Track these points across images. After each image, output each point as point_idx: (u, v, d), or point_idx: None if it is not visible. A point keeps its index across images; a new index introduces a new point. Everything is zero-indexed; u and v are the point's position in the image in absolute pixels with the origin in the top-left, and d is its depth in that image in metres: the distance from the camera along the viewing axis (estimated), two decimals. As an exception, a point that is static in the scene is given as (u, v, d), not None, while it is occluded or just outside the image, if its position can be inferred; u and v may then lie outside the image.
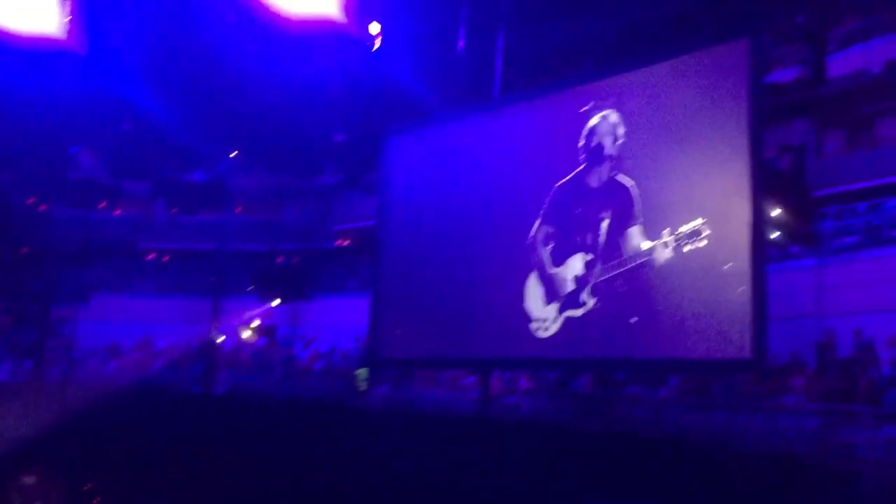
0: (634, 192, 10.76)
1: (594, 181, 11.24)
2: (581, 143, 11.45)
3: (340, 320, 21.84)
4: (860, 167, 16.39)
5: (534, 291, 11.72)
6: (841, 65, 15.81)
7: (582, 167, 11.43)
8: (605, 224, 10.96)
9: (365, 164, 17.61)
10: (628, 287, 10.61)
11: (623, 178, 10.92)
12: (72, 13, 13.49)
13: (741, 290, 9.67)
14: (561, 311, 11.39)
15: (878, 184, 15.98)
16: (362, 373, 17.14)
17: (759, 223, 9.83)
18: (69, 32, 13.56)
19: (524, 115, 12.60)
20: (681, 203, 10.31)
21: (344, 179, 19.77)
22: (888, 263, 14.91)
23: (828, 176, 16.03)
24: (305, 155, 20.50)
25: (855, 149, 17.35)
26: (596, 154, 11.25)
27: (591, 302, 11.01)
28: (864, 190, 16.14)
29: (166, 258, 25.42)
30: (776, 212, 12.54)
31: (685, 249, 10.06)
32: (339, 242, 24.29)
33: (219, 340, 19.57)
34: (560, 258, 11.51)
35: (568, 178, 11.56)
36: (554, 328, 11.42)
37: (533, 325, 11.63)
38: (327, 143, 19.07)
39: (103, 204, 20.77)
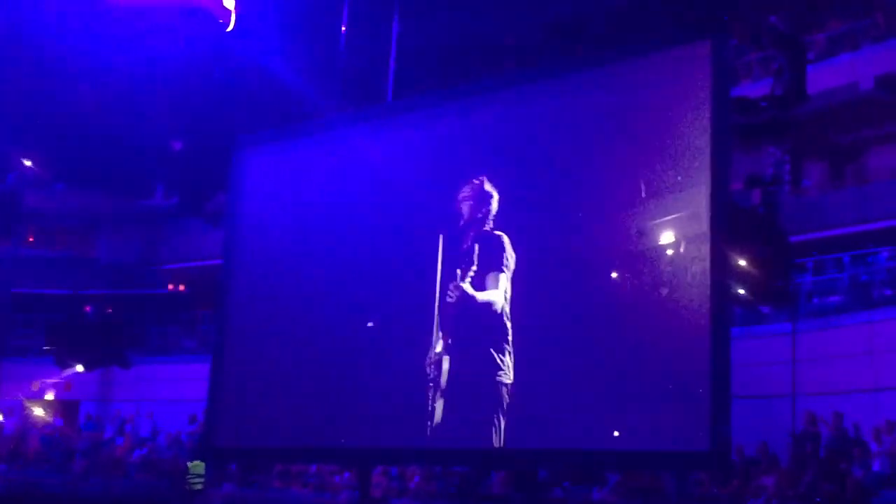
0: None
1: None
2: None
3: (170, 394, 21.43)
4: (845, 208, 16.99)
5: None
6: (824, 78, 16.39)
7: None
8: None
9: (210, 184, 17.32)
10: (549, 352, 10.71)
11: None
12: None
13: (697, 362, 9.76)
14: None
15: (866, 229, 16.58)
16: (198, 466, 16.76)
17: (721, 276, 9.97)
18: None
19: (424, 126, 12.63)
20: (614, 248, 10.48)
21: (181, 203, 19.32)
22: (879, 330, 15.38)
23: (806, 217, 16.56)
24: (129, 168, 20.01)
25: (839, 185, 18.03)
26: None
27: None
28: (850, 236, 16.72)
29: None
30: (742, 262, 12.82)
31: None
32: (171, 288, 24.00)
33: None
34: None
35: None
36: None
37: (430, 403, 11.50)
38: (160, 153, 18.69)
39: None
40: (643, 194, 10.41)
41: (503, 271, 11.32)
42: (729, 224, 10.17)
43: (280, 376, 13.03)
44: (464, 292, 11.44)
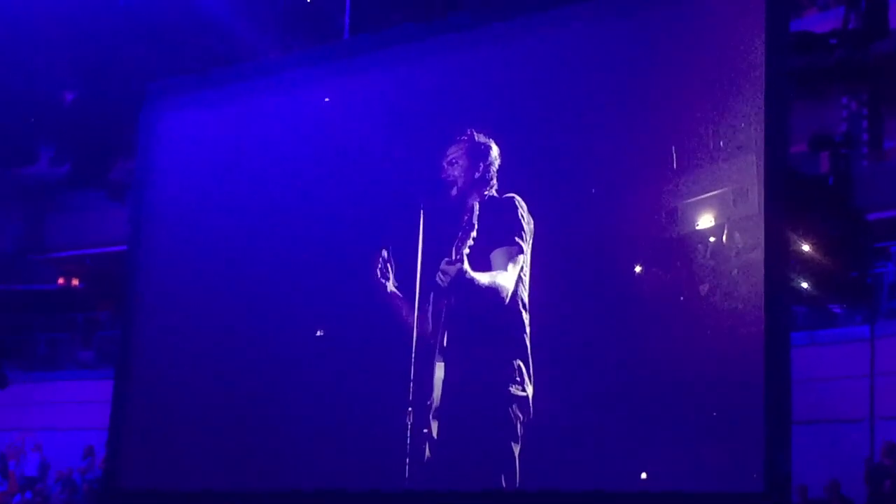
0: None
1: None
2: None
3: (61, 420, 21.36)
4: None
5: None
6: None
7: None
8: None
9: (112, 147, 17.32)
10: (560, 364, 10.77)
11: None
12: None
13: (747, 378, 9.86)
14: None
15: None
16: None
17: (778, 267, 10.04)
18: None
19: (391, 71, 12.66)
20: (637, 234, 10.55)
21: (74, 172, 19.31)
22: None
23: (889, 189, 16.66)
24: (4, 126, 19.95)
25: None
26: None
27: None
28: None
29: None
30: (806, 247, 12.94)
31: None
32: (61, 282, 24.01)
33: None
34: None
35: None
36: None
37: (410, 430, 11.53)
38: (46, 106, 18.66)
39: None
40: (674, 165, 10.46)
41: (516, 245, 11.14)
42: (788, 198, 10.20)
43: (203, 398, 13.10)
44: (461, 273, 11.15)
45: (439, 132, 11.95)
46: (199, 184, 13.80)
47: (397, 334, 11.77)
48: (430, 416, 11.36)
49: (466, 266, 11.08)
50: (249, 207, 13.27)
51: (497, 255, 11.15)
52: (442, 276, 11.25)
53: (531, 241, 11.09)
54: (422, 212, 11.74)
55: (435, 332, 11.50)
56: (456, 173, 11.65)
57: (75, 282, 23.96)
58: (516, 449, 10.82)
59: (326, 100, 13.11)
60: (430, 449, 11.33)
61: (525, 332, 10.98)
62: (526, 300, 11.03)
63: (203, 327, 13.32)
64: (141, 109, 14.45)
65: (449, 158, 11.71)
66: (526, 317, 10.99)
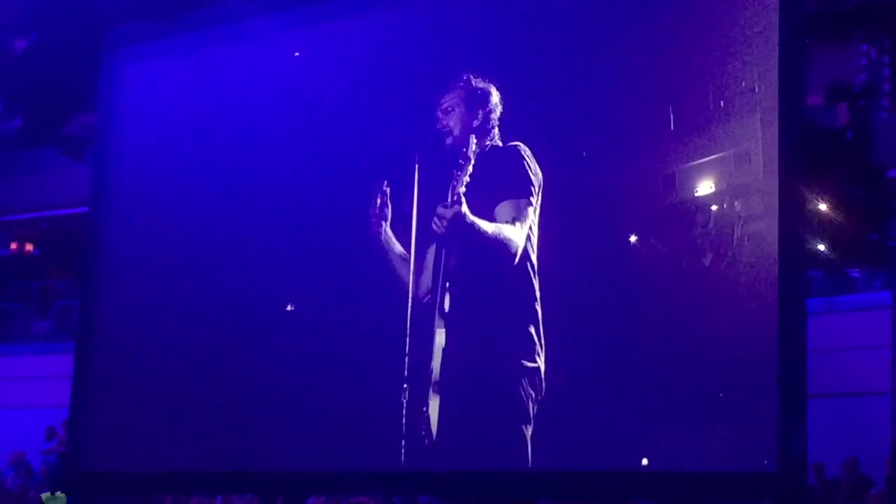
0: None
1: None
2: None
3: (15, 398, 21.43)
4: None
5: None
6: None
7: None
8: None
9: (69, 100, 17.27)
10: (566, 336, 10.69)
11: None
12: None
13: (760, 349, 9.85)
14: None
15: None
16: (56, 500, 16.78)
17: (793, 226, 10.02)
18: None
19: (375, 10, 12.62)
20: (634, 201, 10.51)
21: (26, 127, 19.28)
22: None
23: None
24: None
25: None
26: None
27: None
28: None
29: None
30: (823, 206, 12.97)
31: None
32: (13, 248, 24.02)
33: None
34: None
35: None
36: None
37: (406, 402, 11.48)
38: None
39: None
40: (671, 126, 10.41)
41: (524, 198, 10.85)
42: (804, 153, 10.15)
43: (172, 373, 13.08)
44: (459, 217, 10.84)
45: (432, 78, 11.83)
46: (166, 140, 13.71)
47: (390, 297, 11.64)
48: (430, 391, 11.22)
49: (465, 209, 10.82)
50: (222, 165, 13.20)
51: (502, 209, 10.88)
52: (438, 221, 11.00)
53: (540, 196, 10.85)
54: (416, 166, 11.60)
55: (434, 292, 11.29)
56: (452, 122, 11.43)
57: (29, 247, 23.89)
58: (528, 430, 10.72)
59: (297, 54, 12.98)
60: (428, 430, 11.23)
61: (536, 297, 10.78)
62: (535, 263, 10.81)
63: (172, 295, 13.28)
64: (99, 59, 14.38)
65: (444, 106, 11.49)
66: (536, 281, 10.77)
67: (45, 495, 17.20)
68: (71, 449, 14.31)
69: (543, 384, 10.67)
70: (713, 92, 10.20)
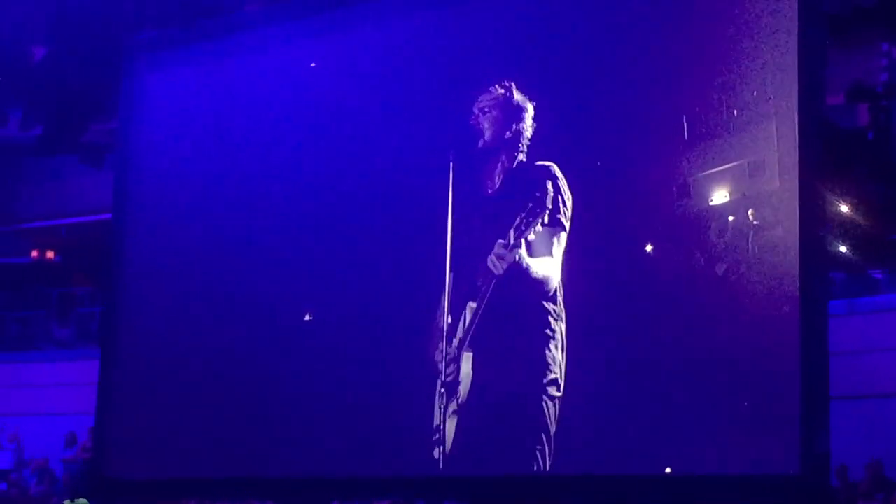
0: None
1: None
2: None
3: (37, 405, 21.52)
4: None
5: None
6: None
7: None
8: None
9: (89, 107, 17.29)
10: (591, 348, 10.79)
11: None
12: None
13: (781, 350, 9.87)
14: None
15: None
16: (77, 505, 16.84)
17: (813, 227, 10.04)
18: None
19: (405, 14, 12.67)
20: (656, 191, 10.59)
21: (46, 135, 19.35)
22: None
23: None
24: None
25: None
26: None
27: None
28: None
29: None
30: (844, 207, 13.00)
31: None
32: (34, 255, 23.99)
33: None
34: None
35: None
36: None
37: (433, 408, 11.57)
38: (14, 64, 18.66)
39: None
40: (685, 135, 10.48)
41: (560, 225, 10.86)
42: (824, 154, 10.14)
43: (197, 379, 13.14)
44: (518, 261, 10.86)
45: (470, 80, 11.83)
46: (187, 147, 13.78)
47: (418, 299, 11.79)
48: (455, 399, 11.35)
49: (524, 253, 10.87)
50: (243, 172, 13.26)
51: (541, 237, 10.94)
52: (496, 262, 10.99)
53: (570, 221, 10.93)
54: (451, 164, 11.69)
55: (465, 319, 11.42)
56: (485, 125, 11.46)
57: (50, 254, 23.84)
58: (550, 435, 10.82)
59: (312, 65, 13.07)
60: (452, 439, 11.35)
61: (562, 323, 10.87)
62: (562, 286, 10.93)
63: (194, 302, 13.35)
64: (118, 66, 14.42)
65: (481, 105, 11.51)
66: (563, 310, 10.88)
67: (66, 502, 17.30)
68: (96, 455, 14.32)
69: (564, 388, 10.80)
70: (728, 101, 10.28)
